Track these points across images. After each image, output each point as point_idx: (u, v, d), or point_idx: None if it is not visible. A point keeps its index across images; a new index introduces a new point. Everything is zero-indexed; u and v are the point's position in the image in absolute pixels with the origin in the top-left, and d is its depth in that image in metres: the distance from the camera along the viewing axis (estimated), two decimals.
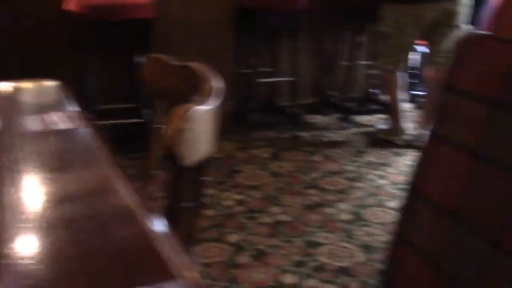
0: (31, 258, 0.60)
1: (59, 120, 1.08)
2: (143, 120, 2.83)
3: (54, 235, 0.66)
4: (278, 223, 2.29)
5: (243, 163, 2.91)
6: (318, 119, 3.71)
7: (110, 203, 0.74)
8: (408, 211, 1.03)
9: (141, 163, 2.85)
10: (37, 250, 0.62)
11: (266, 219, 2.32)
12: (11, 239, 0.62)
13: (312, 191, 2.60)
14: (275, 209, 2.41)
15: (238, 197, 2.52)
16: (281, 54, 3.49)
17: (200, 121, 0.95)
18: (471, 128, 0.90)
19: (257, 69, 3.19)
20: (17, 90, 1.38)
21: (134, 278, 0.58)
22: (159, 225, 0.69)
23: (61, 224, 0.69)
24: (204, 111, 0.95)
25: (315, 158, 3.03)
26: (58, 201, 0.75)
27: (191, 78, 1.20)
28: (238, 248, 2.08)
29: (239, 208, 2.40)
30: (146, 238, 0.65)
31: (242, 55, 3.34)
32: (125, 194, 0.76)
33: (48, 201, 0.75)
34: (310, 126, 3.55)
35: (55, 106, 1.22)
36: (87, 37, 2.81)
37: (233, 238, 2.15)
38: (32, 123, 1.05)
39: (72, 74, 2.50)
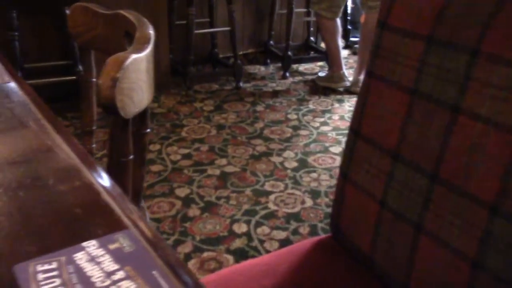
0: None
1: None
2: (76, 77, 2.70)
3: None
4: (226, 174, 2.28)
5: (186, 117, 2.86)
6: (258, 69, 3.68)
7: (52, 160, 0.69)
8: (350, 152, 1.03)
9: (77, 122, 2.75)
10: None
11: (214, 171, 2.31)
12: None
13: (257, 141, 2.60)
14: (222, 161, 2.39)
15: (183, 151, 2.48)
16: (217, 3, 3.40)
17: (136, 70, 0.90)
18: (408, 65, 0.91)
19: (192, 19, 3.09)
20: None
21: (82, 231, 0.54)
22: (104, 179, 0.65)
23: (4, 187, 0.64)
24: (138, 59, 0.90)
25: (258, 108, 3.02)
26: None
27: (123, 26, 1.14)
28: (188, 201, 2.06)
29: (186, 162, 2.37)
30: (92, 192, 0.62)
31: (177, 6, 3.22)
32: (66, 150, 0.71)
33: None
34: (251, 77, 3.52)
35: None
36: None
37: (182, 192, 2.13)
38: None
39: None
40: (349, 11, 4.06)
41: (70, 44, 2.70)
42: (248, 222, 1.95)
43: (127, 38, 1.12)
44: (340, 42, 3.30)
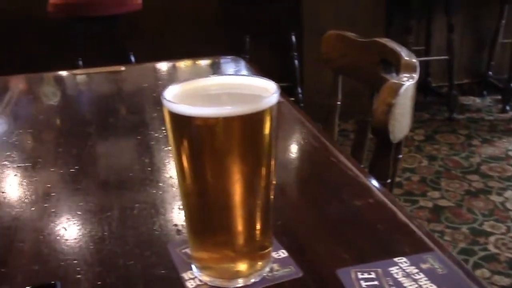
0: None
1: None
2: (295, 99, 2.86)
3: (290, 199, 0.68)
4: (439, 208, 2.19)
5: None
6: (473, 100, 3.47)
7: (340, 175, 0.75)
8: None
9: None
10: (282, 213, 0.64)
11: (426, 203, 2.23)
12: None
13: (473, 177, 2.45)
14: (434, 194, 2.31)
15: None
16: (435, 31, 3.31)
17: (406, 96, 0.92)
18: None
19: (410, 47, 3.05)
20: (200, 65, 1.47)
21: (388, 247, 0.58)
22: (391, 199, 0.68)
23: (296, 188, 0.71)
24: (409, 86, 0.92)
25: (473, 142, 2.84)
26: (285, 167, 0.78)
27: (379, 53, 1.18)
28: None
29: (397, 191, 2.34)
30: (387, 210, 0.65)
31: (394, 32, 3.22)
32: (350, 167, 0.76)
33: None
34: (466, 108, 3.34)
35: None
36: (239, 15, 2.90)
37: None
38: None
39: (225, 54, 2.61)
40: None
41: (291, 67, 2.88)
42: (465, 262, 1.83)
43: (382, 65, 1.16)
44: None
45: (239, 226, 0.50)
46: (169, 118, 0.47)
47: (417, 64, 1.00)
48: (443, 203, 2.23)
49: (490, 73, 3.48)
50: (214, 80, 0.52)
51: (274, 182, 0.51)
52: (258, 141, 0.47)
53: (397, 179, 2.44)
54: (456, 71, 3.38)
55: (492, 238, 1.97)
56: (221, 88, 0.51)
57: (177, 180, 0.76)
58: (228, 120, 0.44)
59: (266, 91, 0.49)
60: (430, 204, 2.22)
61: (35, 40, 2.87)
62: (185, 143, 0.47)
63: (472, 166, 2.55)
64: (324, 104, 1.62)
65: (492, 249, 1.90)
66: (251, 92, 0.50)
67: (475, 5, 3.43)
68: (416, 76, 0.96)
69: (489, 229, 2.02)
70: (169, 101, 0.46)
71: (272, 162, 0.50)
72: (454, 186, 2.37)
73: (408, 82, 0.91)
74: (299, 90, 2.88)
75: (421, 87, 3.43)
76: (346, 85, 1.34)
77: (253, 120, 0.45)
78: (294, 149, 0.87)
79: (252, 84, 0.51)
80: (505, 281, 1.73)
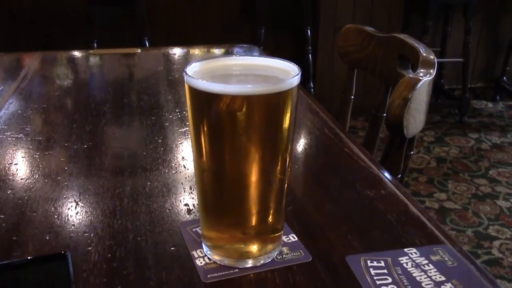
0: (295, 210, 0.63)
1: None
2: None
3: (302, 185, 0.68)
4: (445, 209, 2.19)
5: None
6: (485, 105, 3.45)
7: (354, 166, 0.75)
8: None
9: None
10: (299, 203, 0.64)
11: (432, 204, 2.23)
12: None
13: (481, 181, 2.44)
14: (441, 195, 2.30)
15: None
16: (451, 33, 3.28)
17: (422, 92, 0.92)
18: None
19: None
20: (215, 52, 1.47)
21: (399, 237, 0.58)
22: (403, 192, 0.68)
23: (309, 176, 0.71)
24: (426, 82, 0.92)
25: (483, 146, 2.83)
26: (299, 155, 0.78)
27: (397, 49, 1.17)
28: None
29: None
30: (399, 202, 0.65)
31: (410, 32, 3.20)
32: (364, 158, 0.76)
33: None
34: (477, 112, 3.32)
35: None
36: (258, 8, 2.89)
37: None
38: None
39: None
40: None
41: (305, 60, 2.87)
42: None
43: (399, 61, 1.16)
44: None
45: (253, 207, 0.50)
46: (189, 93, 0.47)
47: (435, 61, 0.99)
48: (449, 205, 2.23)
49: (505, 78, 3.46)
50: (236, 60, 0.52)
51: (289, 167, 0.51)
52: (278, 122, 0.47)
53: (405, 178, 2.43)
54: (470, 74, 3.36)
55: (496, 243, 1.96)
56: (243, 68, 0.51)
57: (189, 161, 0.77)
58: (249, 99, 0.44)
59: (288, 74, 0.49)
60: (436, 206, 2.22)
61: (52, 21, 2.88)
62: (204, 120, 0.47)
63: (480, 170, 2.54)
64: (335, 99, 1.61)
65: (496, 253, 1.90)
66: (273, 74, 0.50)
67: (494, 9, 3.41)
68: (433, 72, 0.96)
69: (494, 234, 2.02)
70: (190, 76, 0.46)
71: (290, 146, 0.50)
72: (461, 189, 2.37)
73: (425, 77, 0.90)
74: (311, 84, 2.88)
75: (434, 88, 3.41)
76: (356, 83, 1.34)
77: (274, 100, 0.45)
78: (308, 138, 0.87)
79: (274, 66, 0.51)
80: (508, 286, 1.73)
